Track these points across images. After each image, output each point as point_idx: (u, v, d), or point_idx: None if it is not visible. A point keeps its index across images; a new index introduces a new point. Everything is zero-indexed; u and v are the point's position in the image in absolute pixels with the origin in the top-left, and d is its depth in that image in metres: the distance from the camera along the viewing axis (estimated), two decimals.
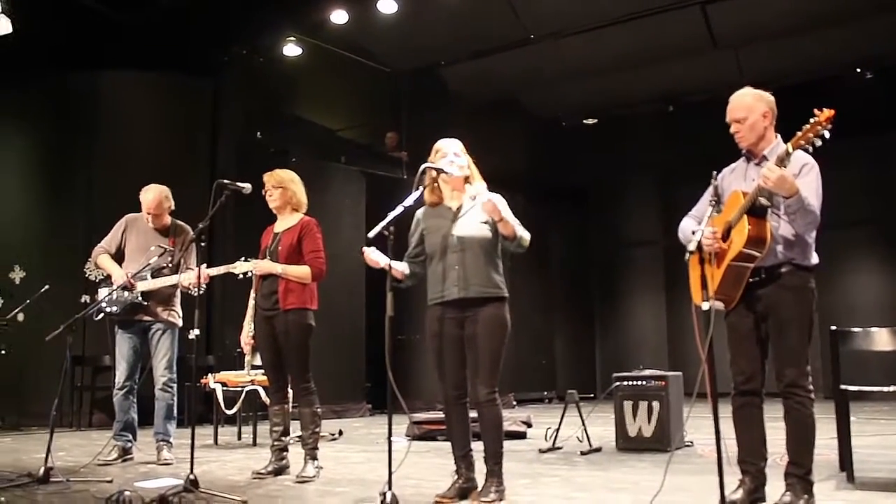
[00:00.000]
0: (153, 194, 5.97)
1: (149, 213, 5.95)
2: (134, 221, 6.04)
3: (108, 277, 5.92)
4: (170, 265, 5.82)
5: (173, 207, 6.08)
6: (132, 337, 5.86)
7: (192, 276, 5.47)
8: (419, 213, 4.37)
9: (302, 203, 5.29)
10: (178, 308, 5.97)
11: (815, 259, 3.80)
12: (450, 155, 4.22)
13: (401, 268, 4.26)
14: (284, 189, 5.22)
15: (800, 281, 3.74)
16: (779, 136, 3.86)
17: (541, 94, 12.51)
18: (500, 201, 4.01)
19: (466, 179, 4.26)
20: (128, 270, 5.80)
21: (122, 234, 6.01)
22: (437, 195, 4.31)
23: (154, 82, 9.65)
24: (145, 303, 5.80)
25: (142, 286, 5.77)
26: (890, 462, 5.23)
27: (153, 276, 5.79)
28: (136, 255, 5.89)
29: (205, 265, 5.28)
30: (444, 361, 4.16)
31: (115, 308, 5.79)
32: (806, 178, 3.65)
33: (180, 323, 5.96)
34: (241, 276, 5.22)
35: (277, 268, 5.05)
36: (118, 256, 5.95)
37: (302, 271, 5.08)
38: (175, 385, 5.88)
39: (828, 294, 11.89)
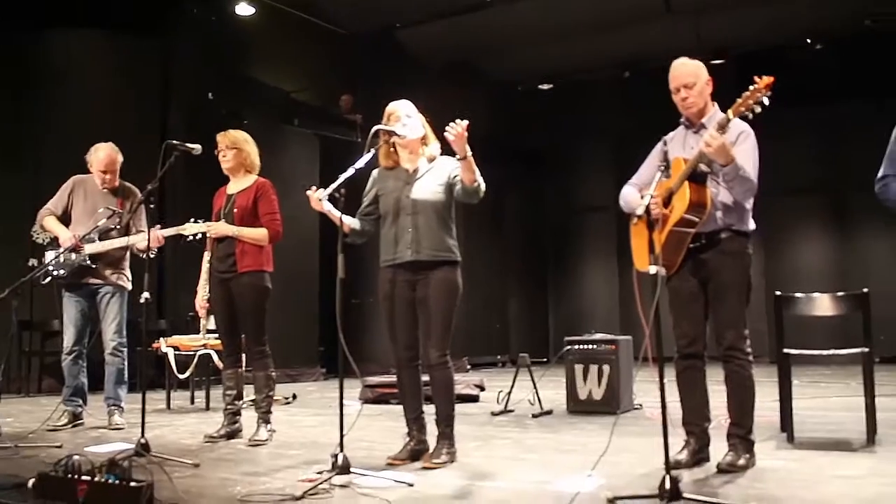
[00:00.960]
0: (104, 152, 5.85)
1: (102, 173, 5.83)
2: (81, 183, 5.91)
3: (55, 240, 5.79)
4: (118, 227, 5.73)
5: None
6: (80, 300, 5.77)
7: (143, 238, 5.41)
8: (375, 172, 4.37)
9: (255, 165, 5.24)
10: (128, 271, 5.89)
11: (752, 225, 3.92)
12: (402, 118, 4.21)
13: (348, 222, 4.22)
14: (239, 150, 5.16)
15: (738, 246, 3.85)
16: (716, 104, 3.94)
17: (498, 59, 12.46)
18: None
19: (422, 141, 4.26)
20: (75, 233, 5.70)
21: (68, 195, 5.87)
22: (393, 158, 4.29)
23: (102, 40, 9.40)
24: (93, 265, 5.71)
25: (90, 248, 5.67)
26: (828, 423, 5.41)
27: (101, 239, 5.69)
28: (83, 217, 5.78)
29: (158, 227, 5.23)
30: (396, 324, 4.19)
31: (62, 271, 5.69)
32: (742, 145, 3.74)
33: (129, 286, 5.88)
34: (190, 237, 5.15)
35: (233, 230, 5.01)
36: (65, 219, 5.82)
37: (258, 233, 5.04)
38: (125, 349, 5.82)
39: (774, 260, 12.20)
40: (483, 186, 4.07)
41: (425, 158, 4.24)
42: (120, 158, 5.91)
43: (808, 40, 11.03)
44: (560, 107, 13.31)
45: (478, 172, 4.03)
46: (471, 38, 11.57)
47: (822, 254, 12.26)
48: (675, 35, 10.96)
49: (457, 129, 3.84)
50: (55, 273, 5.70)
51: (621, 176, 4.29)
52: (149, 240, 4.83)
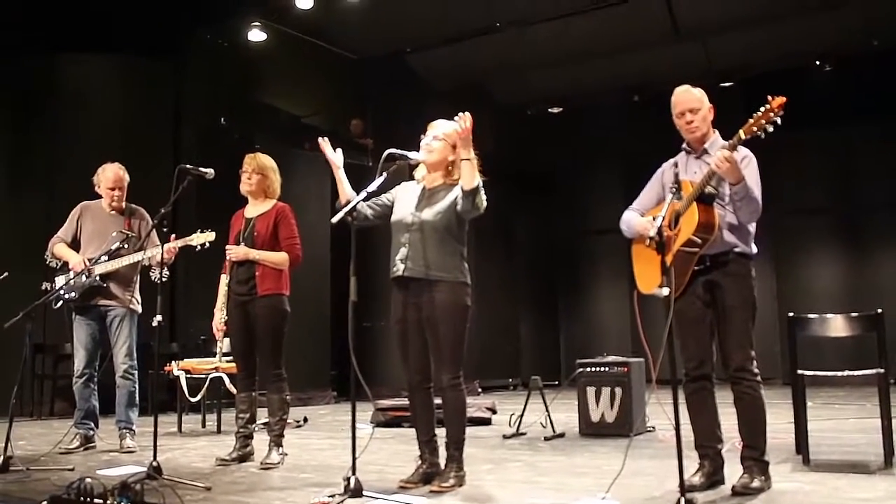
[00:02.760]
0: (111, 171, 5.93)
1: (110, 190, 5.88)
2: (87, 208, 5.98)
3: (66, 265, 5.84)
4: (129, 248, 5.75)
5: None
6: (90, 323, 5.79)
7: (155, 252, 5.44)
8: (406, 183, 4.44)
9: (276, 193, 5.30)
10: (138, 294, 5.90)
11: (755, 248, 3.95)
12: (429, 137, 4.23)
13: (350, 194, 4.29)
14: (264, 176, 5.22)
15: (742, 269, 3.87)
16: (716, 131, 3.98)
17: (507, 82, 12.53)
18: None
19: (447, 166, 4.24)
20: (85, 256, 5.74)
21: (77, 221, 5.93)
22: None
23: (116, 65, 9.51)
24: (104, 285, 5.72)
25: (100, 268, 5.70)
26: (843, 444, 5.36)
27: (111, 259, 5.71)
28: (92, 239, 5.83)
29: (171, 242, 5.28)
30: (408, 347, 4.18)
31: (73, 294, 5.71)
32: (747, 169, 3.78)
33: (139, 309, 5.90)
34: (198, 247, 5.25)
35: (255, 254, 5.03)
36: (75, 246, 5.88)
37: (279, 258, 5.08)
38: (136, 372, 5.83)
39: (786, 281, 12.14)
40: (483, 195, 4.00)
41: (448, 182, 4.22)
42: (127, 178, 5.97)
43: (818, 62, 11.03)
44: (569, 130, 13.33)
45: (478, 177, 3.98)
46: (480, 62, 11.65)
47: (834, 275, 12.19)
48: (684, 59, 11.03)
49: (463, 124, 3.85)
50: (66, 296, 5.72)
51: (630, 199, 4.31)
52: (162, 252, 4.86)
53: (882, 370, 4.52)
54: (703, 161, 3.85)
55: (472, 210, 4.02)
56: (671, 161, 4.07)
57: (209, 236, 5.29)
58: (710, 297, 3.86)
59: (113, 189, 5.90)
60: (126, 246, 5.74)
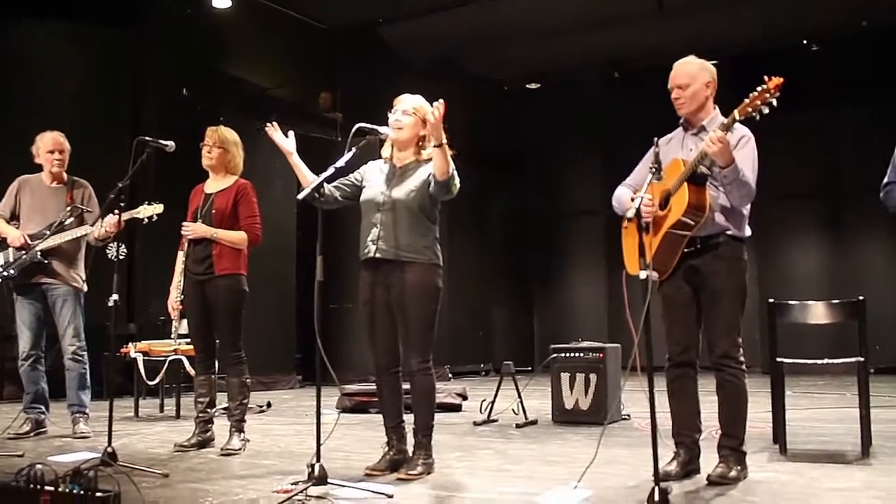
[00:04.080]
0: (50, 136, 5.84)
1: (49, 153, 5.77)
2: (27, 182, 5.88)
3: (4, 241, 5.72)
4: (73, 222, 5.65)
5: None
6: (33, 303, 5.70)
7: (96, 228, 5.37)
8: (372, 162, 4.39)
9: (238, 168, 5.25)
10: (82, 272, 5.80)
11: (748, 231, 3.95)
12: (398, 112, 4.21)
13: (310, 178, 4.22)
14: (225, 150, 5.17)
15: (734, 252, 3.87)
16: (717, 107, 3.97)
17: (483, 56, 12.47)
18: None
19: (419, 142, 4.23)
20: (25, 231, 5.64)
21: (15, 196, 5.82)
22: (393, 151, 4.31)
23: (72, 33, 9.32)
24: (45, 262, 5.62)
25: (41, 244, 5.58)
26: (821, 434, 5.44)
27: (54, 234, 5.60)
28: (33, 214, 5.73)
29: (112, 216, 5.19)
30: (376, 329, 4.18)
31: (12, 271, 5.59)
32: (743, 150, 3.77)
33: (84, 287, 5.80)
34: (146, 220, 5.22)
35: (213, 232, 4.99)
36: (15, 223, 5.78)
37: (238, 237, 5.04)
38: (86, 353, 5.76)
39: (767, 266, 12.27)
40: (457, 181, 4.05)
41: (419, 159, 4.22)
42: (67, 145, 5.88)
43: (805, 41, 11.09)
44: (547, 107, 13.34)
45: (452, 164, 4.00)
46: (456, 35, 11.57)
47: (816, 261, 12.34)
48: (668, 34, 10.99)
49: (437, 112, 3.84)
50: (5, 273, 5.60)
51: (610, 179, 4.31)
52: (106, 225, 4.79)
53: (862, 359, 4.59)
54: (700, 139, 3.83)
55: (445, 195, 4.07)
56: (667, 136, 4.06)
57: (157, 208, 5.24)
58: (698, 281, 3.87)
59: (52, 152, 5.78)
60: (72, 220, 5.64)
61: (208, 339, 5.13)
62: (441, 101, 3.86)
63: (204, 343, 5.15)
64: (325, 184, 4.17)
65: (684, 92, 3.92)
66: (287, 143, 4.32)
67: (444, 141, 3.91)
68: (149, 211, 5.21)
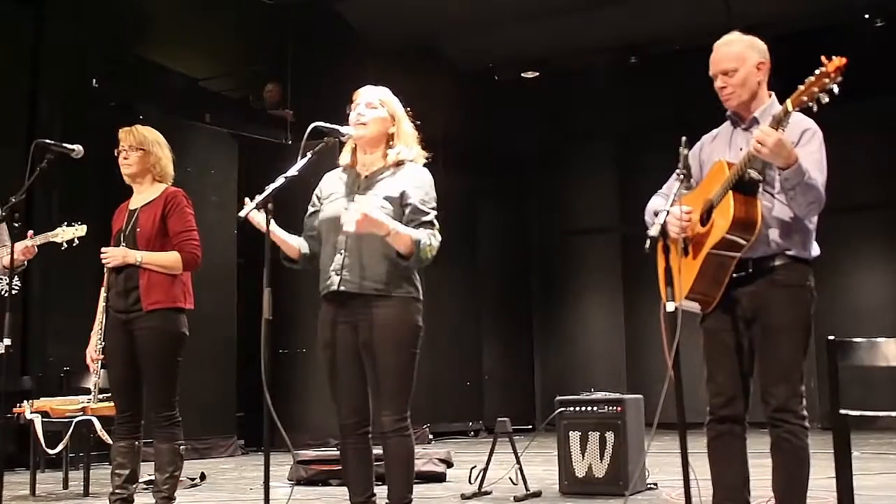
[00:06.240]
0: None
1: None
2: None
3: None
4: None
5: None
6: None
7: (5, 253, 5.33)
8: (329, 174, 4.38)
9: (167, 173, 5.18)
10: None
11: (815, 250, 3.91)
12: (360, 106, 4.20)
13: (296, 244, 4.24)
14: (146, 152, 5.09)
15: (797, 277, 3.84)
16: (773, 94, 3.93)
17: (469, 40, 12.54)
18: (378, 215, 3.91)
19: (387, 140, 4.24)
20: None
21: None
22: (355, 157, 4.30)
23: None
24: None
25: None
26: None
27: None
28: None
29: (28, 239, 5.17)
30: (339, 379, 4.15)
31: None
32: (807, 146, 3.74)
33: None
34: (64, 245, 5.18)
35: (136, 255, 4.92)
36: None
37: (169, 259, 4.96)
38: None
39: (825, 295, 12.18)
40: (432, 244, 4.07)
41: (387, 163, 4.22)
42: None
43: (867, 15, 11.15)
44: (549, 100, 13.42)
45: (417, 233, 4.02)
46: (435, 14, 11.64)
47: (885, 287, 12.34)
48: (696, 10, 11.04)
49: (360, 223, 3.84)
50: None
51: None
52: (12, 258, 4.73)
53: None
54: (752, 134, 3.78)
55: (420, 265, 4.12)
56: (712, 133, 4.05)
57: (79, 230, 5.18)
58: (750, 315, 3.84)
59: None
60: None
61: (134, 395, 5.04)
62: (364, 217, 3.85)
63: (129, 400, 5.05)
64: (307, 245, 4.25)
65: (731, 79, 3.87)
66: (264, 222, 4.04)
67: (390, 228, 3.92)
68: (69, 234, 5.14)
